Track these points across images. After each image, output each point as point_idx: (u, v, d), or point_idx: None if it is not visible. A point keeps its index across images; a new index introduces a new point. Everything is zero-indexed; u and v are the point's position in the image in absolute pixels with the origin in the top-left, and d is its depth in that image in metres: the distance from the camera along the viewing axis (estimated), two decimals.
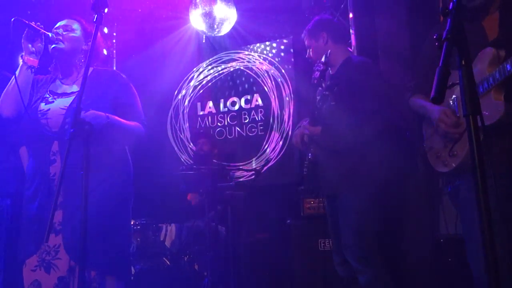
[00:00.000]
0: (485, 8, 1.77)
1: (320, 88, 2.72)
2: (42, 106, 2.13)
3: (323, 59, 2.55)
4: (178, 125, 5.53)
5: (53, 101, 2.14)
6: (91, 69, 2.19)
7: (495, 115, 1.63)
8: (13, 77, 2.09)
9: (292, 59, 5.13)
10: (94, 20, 1.94)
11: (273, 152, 5.03)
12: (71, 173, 1.88)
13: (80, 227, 1.70)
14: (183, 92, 5.61)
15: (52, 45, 2.16)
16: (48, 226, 1.70)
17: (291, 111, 5.04)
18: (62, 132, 2.06)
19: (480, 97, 1.70)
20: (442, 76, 1.07)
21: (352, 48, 4.14)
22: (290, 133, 4.99)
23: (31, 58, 2.13)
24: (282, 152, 4.99)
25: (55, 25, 2.25)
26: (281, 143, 5.02)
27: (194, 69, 5.61)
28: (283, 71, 5.16)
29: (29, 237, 2.04)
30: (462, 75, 1.12)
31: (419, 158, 3.41)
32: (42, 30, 2.15)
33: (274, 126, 5.09)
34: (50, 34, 2.18)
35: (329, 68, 2.72)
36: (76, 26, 2.25)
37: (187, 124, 5.52)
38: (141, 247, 3.80)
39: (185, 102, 5.58)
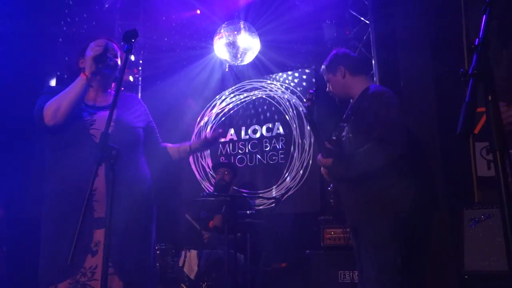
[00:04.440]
0: None
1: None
2: (86, 116, 2.12)
3: (308, 96, 2.57)
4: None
5: (95, 113, 2.14)
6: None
7: None
8: (71, 87, 2.08)
9: (314, 89, 5.17)
10: (125, 50, 1.99)
11: (293, 180, 5.02)
12: (117, 193, 1.93)
13: (104, 249, 1.72)
14: (206, 119, 5.69)
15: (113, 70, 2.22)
16: (73, 248, 1.72)
17: (312, 140, 5.05)
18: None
19: None
20: (469, 111, 1.08)
21: (375, 79, 4.17)
22: (310, 162, 4.99)
23: (90, 76, 2.10)
24: (302, 181, 4.98)
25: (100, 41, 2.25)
26: (301, 172, 5.01)
27: (217, 96, 5.70)
28: (305, 100, 5.19)
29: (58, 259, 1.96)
30: (488, 111, 1.12)
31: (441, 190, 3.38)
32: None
33: (295, 155, 5.10)
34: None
35: (351, 100, 2.74)
36: (118, 52, 2.28)
37: (208, 151, 5.57)
38: (160, 273, 3.79)
39: (207, 129, 5.66)
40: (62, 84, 5.24)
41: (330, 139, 2.44)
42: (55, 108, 2.03)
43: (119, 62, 2.25)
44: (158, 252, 3.83)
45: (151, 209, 2.21)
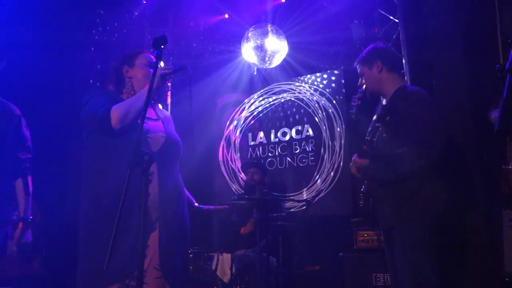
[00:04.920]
0: None
1: (373, 119, 2.70)
2: (147, 125, 2.21)
3: (358, 95, 2.52)
4: (229, 155, 5.62)
5: (147, 122, 2.21)
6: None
7: None
8: (140, 96, 2.16)
9: (343, 90, 5.13)
10: (155, 56, 2.04)
11: (324, 183, 4.98)
12: (168, 198, 2.04)
13: (139, 253, 1.75)
14: (235, 123, 5.72)
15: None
16: (109, 251, 1.74)
17: (343, 142, 5.01)
18: (160, 153, 2.14)
19: None
20: (507, 108, 1.05)
21: (406, 78, 4.10)
22: (341, 164, 4.94)
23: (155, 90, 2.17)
24: (333, 183, 4.93)
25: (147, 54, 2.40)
26: (332, 174, 4.97)
27: (246, 100, 5.72)
28: (334, 102, 5.16)
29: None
30: None
31: (480, 191, 3.28)
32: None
33: (325, 157, 5.06)
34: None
35: (382, 98, 2.69)
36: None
37: (238, 154, 5.60)
38: (192, 276, 3.83)
39: (236, 132, 5.68)
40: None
41: (364, 139, 2.41)
42: (124, 113, 2.10)
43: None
44: (191, 255, 3.87)
45: (188, 215, 2.30)
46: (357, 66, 2.71)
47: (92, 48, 5.26)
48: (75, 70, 5.16)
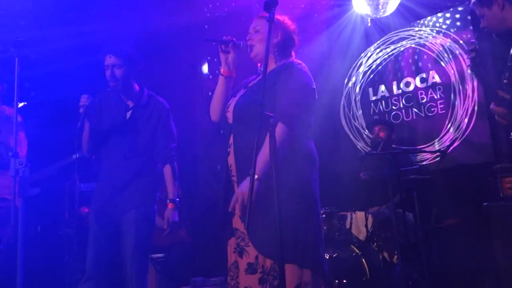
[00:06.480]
0: None
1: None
2: (230, 100, 2.33)
3: (471, 47, 2.21)
4: (351, 113, 5.48)
5: (238, 95, 2.31)
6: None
7: None
8: (219, 84, 2.36)
9: (471, 27, 4.65)
10: (267, 19, 2.05)
11: (458, 131, 4.63)
12: (246, 169, 2.07)
13: (274, 221, 1.79)
14: (353, 79, 5.54)
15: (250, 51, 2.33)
16: (248, 215, 1.82)
17: (475, 84, 4.57)
18: (233, 124, 2.24)
19: None
20: None
21: None
22: (476, 108, 4.53)
23: (226, 69, 2.31)
24: (468, 130, 4.55)
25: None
26: (466, 120, 4.58)
27: (362, 54, 5.49)
28: (461, 42, 4.71)
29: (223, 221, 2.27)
30: None
31: None
32: (232, 42, 2.29)
33: (457, 103, 4.68)
34: (241, 43, 2.32)
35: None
36: (261, 23, 2.33)
37: (360, 111, 5.44)
38: (328, 236, 3.86)
39: (356, 89, 5.51)
40: (214, 68, 5.62)
41: (501, 83, 2.17)
42: (212, 101, 2.38)
43: (259, 35, 2.32)
44: (324, 216, 3.90)
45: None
46: (475, 8, 2.46)
47: (206, 26, 5.47)
48: (194, 50, 5.42)
